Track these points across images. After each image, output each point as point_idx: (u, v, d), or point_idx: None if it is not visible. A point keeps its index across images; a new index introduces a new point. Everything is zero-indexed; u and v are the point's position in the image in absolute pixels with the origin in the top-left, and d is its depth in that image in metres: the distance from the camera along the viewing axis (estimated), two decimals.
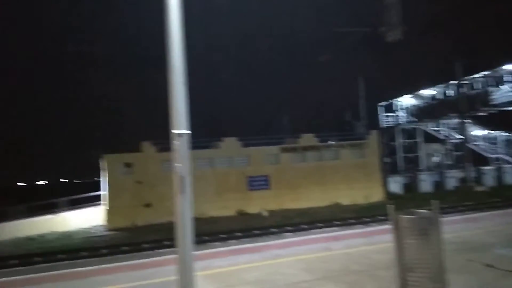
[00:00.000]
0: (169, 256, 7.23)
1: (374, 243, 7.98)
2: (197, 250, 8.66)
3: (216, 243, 14.93)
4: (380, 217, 17.44)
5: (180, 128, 4.37)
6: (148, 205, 22.25)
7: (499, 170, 31.17)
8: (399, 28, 10.91)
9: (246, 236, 16.27)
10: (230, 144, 25.29)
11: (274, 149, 26.15)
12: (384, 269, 5.87)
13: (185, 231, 4.40)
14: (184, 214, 4.39)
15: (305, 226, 17.59)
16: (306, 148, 26.77)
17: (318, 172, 26.10)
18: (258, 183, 24.98)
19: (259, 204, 23.79)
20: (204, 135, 27.80)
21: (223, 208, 23.10)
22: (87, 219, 22.87)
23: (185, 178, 4.38)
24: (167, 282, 6.14)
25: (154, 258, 8.61)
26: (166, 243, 14.37)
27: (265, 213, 22.75)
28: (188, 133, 4.40)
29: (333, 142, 28.28)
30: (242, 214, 23.26)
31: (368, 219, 18.28)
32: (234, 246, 9.64)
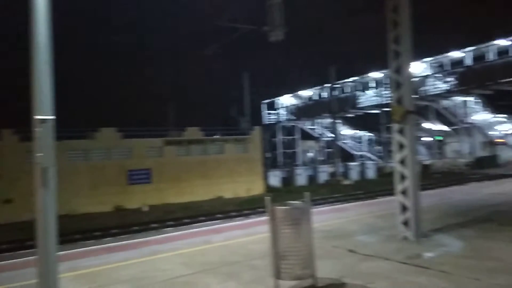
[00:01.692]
0: (32, 258, 6.45)
1: (253, 234, 8.24)
2: (66, 250, 7.96)
3: (89, 241, 13.88)
4: (259, 209, 18.17)
5: (44, 113, 3.88)
6: (8, 201, 19.67)
7: (362, 165, 35.08)
8: (281, 29, 11.40)
9: (123, 232, 15.50)
10: (107, 135, 23.74)
11: (157, 141, 25.39)
12: (260, 258, 6.08)
13: (47, 229, 3.94)
14: (46, 210, 3.93)
15: (187, 220, 17.47)
16: (190, 142, 26.58)
17: (202, 165, 26.14)
18: (139, 176, 23.98)
19: (140, 198, 22.88)
20: (79, 125, 25.67)
21: (99, 203, 21.63)
22: None
23: (48, 169, 3.91)
24: (26, 286, 5.46)
25: (13, 260, 7.62)
26: (29, 243, 12.86)
27: (146, 208, 21.98)
28: (52, 119, 3.93)
29: (217, 136, 28.61)
30: (120, 210, 22.08)
31: (248, 211, 18.93)
32: (109, 244, 9.05)
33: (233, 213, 19.03)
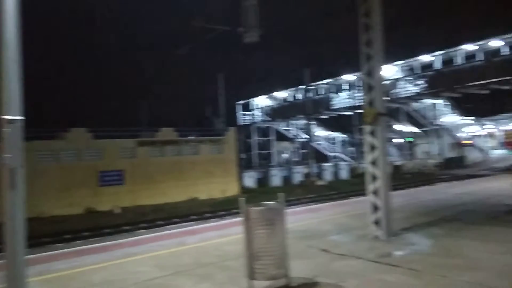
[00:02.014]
0: None
1: (227, 235, 8.24)
2: (35, 253, 7.72)
3: (59, 244, 13.54)
4: (234, 210, 18.15)
5: (12, 113, 3.77)
6: None
7: (336, 166, 35.57)
8: (256, 31, 11.45)
9: (95, 235, 15.18)
10: (78, 135, 23.17)
11: (130, 142, 24.96)
12: (235, 259, 6.09)
13: (15, 232, 3.83)
14: (14, 212, 3.82)
15: (161, 222, 17.27)
16: (165, 142, 26.27)
17: (177, 167, 25.88)
18: (111, 178, 23.50)
19: (112, 200, 22.44)
20: (48, 125, 24.96)
21: (69, 205, 21.08)
22: None
23: (16, 170, 3.80)
24: None
25: None
26: None
27: (118, 210, 21.57)
28: (21, 119, 3.83)
29: (192, 137, 28.40)
30: (91, 212, 21.59)
31: (223, 213, 18.88)
32: (80, 247, 8.84)
33: (208, 215, 18.95)
